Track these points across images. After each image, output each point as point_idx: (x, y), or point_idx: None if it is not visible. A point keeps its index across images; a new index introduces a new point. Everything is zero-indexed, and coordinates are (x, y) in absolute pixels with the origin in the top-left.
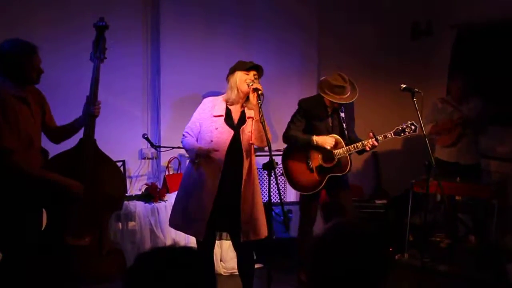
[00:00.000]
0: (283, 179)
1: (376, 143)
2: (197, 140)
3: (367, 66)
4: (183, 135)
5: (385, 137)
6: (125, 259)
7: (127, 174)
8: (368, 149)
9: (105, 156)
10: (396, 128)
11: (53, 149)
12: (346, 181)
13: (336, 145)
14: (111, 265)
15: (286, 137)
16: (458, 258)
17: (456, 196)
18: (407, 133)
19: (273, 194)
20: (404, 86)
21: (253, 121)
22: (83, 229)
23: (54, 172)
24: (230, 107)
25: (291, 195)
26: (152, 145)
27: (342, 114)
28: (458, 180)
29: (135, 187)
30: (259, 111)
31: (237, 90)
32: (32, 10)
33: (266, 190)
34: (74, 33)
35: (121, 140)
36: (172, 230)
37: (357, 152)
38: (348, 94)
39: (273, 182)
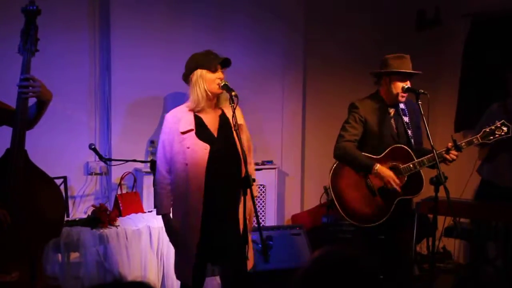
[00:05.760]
0: (261, 199)
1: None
2: (170, 168)
3: (363, 63)
4: (156, 168)
5: (470, 143)
6: None
7: (69, 193)
8: (450, 159)
9: (38, 170)
10: (483, 130)
11: None
12: (412, 213)
13: (400, 170)
14: None
15: (338, 151)
16: None
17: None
18: (497, 135)
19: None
20: (407, 86)
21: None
22: (9, 262)
23: None
24: (201, 115)
25: (272, 218)
26: (100, 157)
27: (406, 119)
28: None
29: (80, 210)
30: (233, 116)
31: (206, 93)
32: None
33: None
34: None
35: (62, 152)
36: (126, 263)
37: (430, 166)
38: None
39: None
